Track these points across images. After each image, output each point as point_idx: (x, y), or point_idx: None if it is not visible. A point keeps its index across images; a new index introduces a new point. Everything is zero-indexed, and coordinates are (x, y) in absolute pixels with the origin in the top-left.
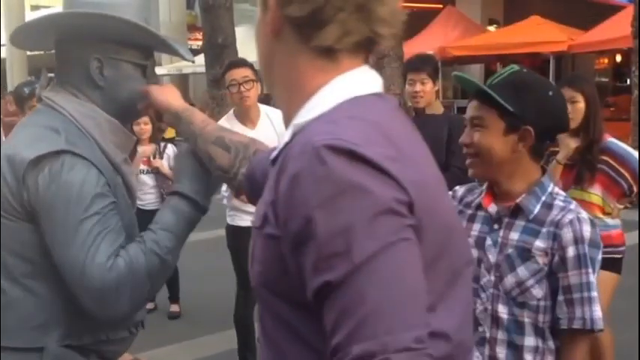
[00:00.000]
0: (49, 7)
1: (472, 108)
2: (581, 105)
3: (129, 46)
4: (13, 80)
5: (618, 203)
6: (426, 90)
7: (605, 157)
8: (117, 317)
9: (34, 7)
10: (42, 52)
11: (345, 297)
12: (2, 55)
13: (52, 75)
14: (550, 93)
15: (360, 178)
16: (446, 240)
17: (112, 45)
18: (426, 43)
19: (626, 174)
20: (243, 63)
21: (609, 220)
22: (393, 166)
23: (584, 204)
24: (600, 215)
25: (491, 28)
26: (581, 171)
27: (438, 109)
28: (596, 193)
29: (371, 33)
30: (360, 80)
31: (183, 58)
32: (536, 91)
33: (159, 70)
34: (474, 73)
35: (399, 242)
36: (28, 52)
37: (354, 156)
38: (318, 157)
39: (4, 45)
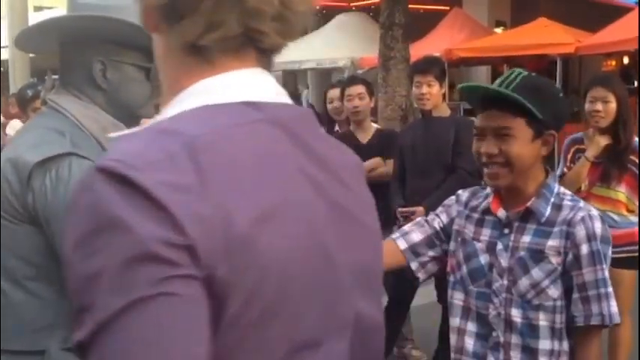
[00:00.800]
0: (52, 7)
1: (491, 117)
2: (613, 105)
3: (132, 48)
4: (15, 82)
5: None
6: (433, 92)
7: (632, 157)
8: None
9: (37, 8)
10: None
11: None
12: (4, 57)
13: (56, 77)
14: (560, 95)
15: (122, 212)
16: (279, 302)
17: (115, 47)
18: (433, 44)
19: None
20: None
21: (633, 218)
22: (175, 197)
23: (610, 201)
24: (625, 213)
25: (498, 30)
26: (609, 169)
27: (444, 111)
28: (622, 191)
29: (243, 28)
30: (227, 85)
31: None
32: (551, 95)
33: None
34: (481, 75)
35: (155, 298)
36: (31, 54)
37: (125, 182)
38: (89, 181)
39: (5, 47)
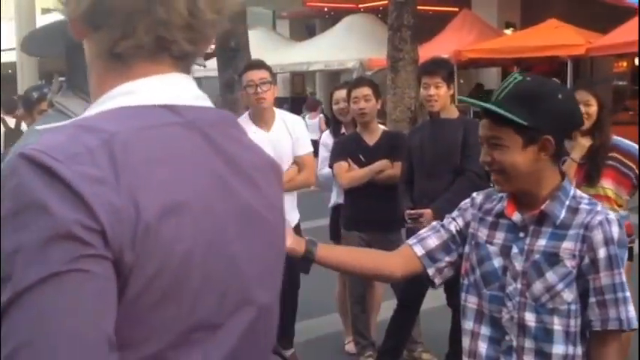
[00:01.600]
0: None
1: (485, 127)
2: (594, 108)
3: None
4: (23, 84)
5: (629, 195)
6: (440, 94)
7: (613, 154)
8: None
9: (45, 10)
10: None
11: (4, 326)
12: (12, 59)
13: (63, 79)
14: (560, 96)
15: (45, 196)
16: (177, 288)
17: None
18: (442, 46)
19: (633, 165)
20: (261, 65)
21: (622, 212)
22: (91, 188)
23: (599, 198)
24: (616, 207)
25: (508, 32)
26: (590, 169)
27: (452, 113)
28: (609, 187)
29: (154, 37)
30: (145, 89)
31: (195, 64)
32: (546, 99)
33: None
34: (491, 76)
35: (69, 273)
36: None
37: (47, 171)
38: (14, 167)
39: (12, 49)
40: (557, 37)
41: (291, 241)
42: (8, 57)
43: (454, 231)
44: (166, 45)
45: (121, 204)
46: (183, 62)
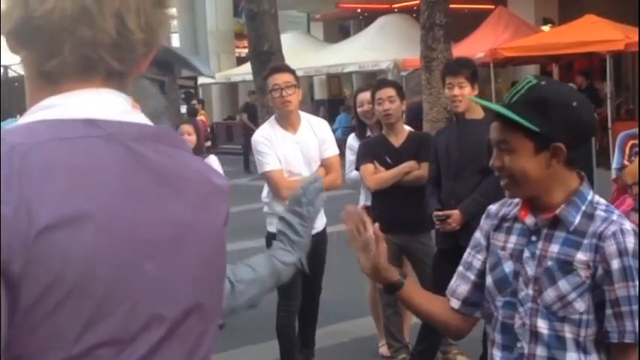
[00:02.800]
0: None
1: (495, 130)
2: None
3: (153, 64)
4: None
5: None
6: (464, 94)
7: None
8: None
9: None
10: None
11: None
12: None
13: None
14: (574, 104)
15: None
16: (76, 299)
17: None
18: (476, 44)
19: None
20: (285, 68)
21: None
22: None
23: None
24: None
25: (546, 28)
26: None
27: (478, 113)
28: None
29: (80, 56)
30: (66, 103)
31: (201, 74)
32: (559, 106)
33: (208, 79)
34: (529, 74)
35: None
36: None
37: None
38: None
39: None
40: (595, 33)
41: (384, 264)
42: None
43: (479, 265)
44: (93, 64)
45: (11, 214)
46: (115, 80)
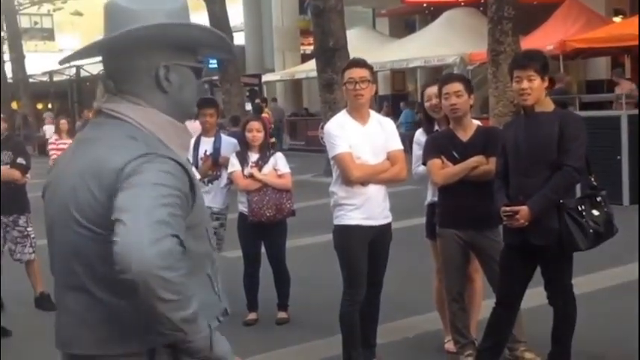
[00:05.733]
0: None
1: None
2: None
3: (188, 50)
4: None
5: None
6: (534, 87)
7: None
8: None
9: None
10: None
11: None
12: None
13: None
14: None
15: None
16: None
17: (178, 51)
18: (545, 37)
19: None
20: (363, 64)
21: None
22: None
23: None
24: None
25: (617, 19)
26: None
27: (548, 106)
28: None
29: None
30: None
31: (232, 57)
32: None
33: (272, 77)
34: (600, 66)
35: None
36: None
37: None
38: None
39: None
40: None
41: None
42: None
43: None
44: None
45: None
46: None
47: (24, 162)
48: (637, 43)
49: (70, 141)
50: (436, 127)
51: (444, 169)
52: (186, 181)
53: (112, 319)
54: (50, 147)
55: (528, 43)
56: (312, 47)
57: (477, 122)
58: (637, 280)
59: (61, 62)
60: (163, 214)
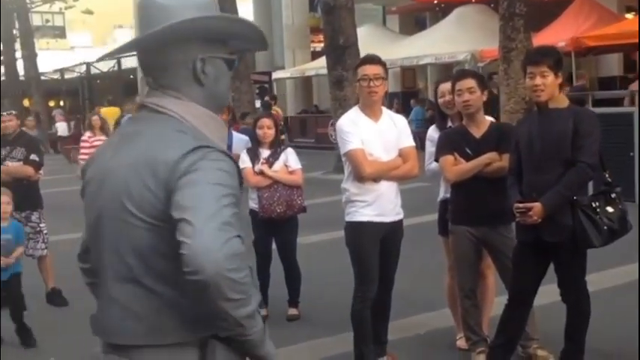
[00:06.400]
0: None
1: None
2: None
3: (221, 43)
4: (143, 88)
5: None
6: (547, 83)
7: None
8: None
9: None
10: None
11: None
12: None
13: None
14: None
15: None
16: None
17: (212, 44)
18: (557, 34)
19: None
20: (377, 60)
21: None
22: None
23: None
24: None
25: (629, 16)
26: None
27: (561, 102)
28: None
29: None
30: None
31: (264, 48)
32: None
33: (282, 74)
34: (612, 63)
35: None
36: None
37: None
38: None
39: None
40: None
41: None
42: (130, 63)
43: None
44: None
45: None
46: None
47: (37, 159)
48: None
49: (104, 137)
50: (449, 124)
51: (457, 166)
52: (237, 178)
53: (164, 309)
54: (82, 144)
55: (540, 39)
56: (322, 45)
57: (490, 118)
58: None
59: (99, 59)
60: (227, 215)
